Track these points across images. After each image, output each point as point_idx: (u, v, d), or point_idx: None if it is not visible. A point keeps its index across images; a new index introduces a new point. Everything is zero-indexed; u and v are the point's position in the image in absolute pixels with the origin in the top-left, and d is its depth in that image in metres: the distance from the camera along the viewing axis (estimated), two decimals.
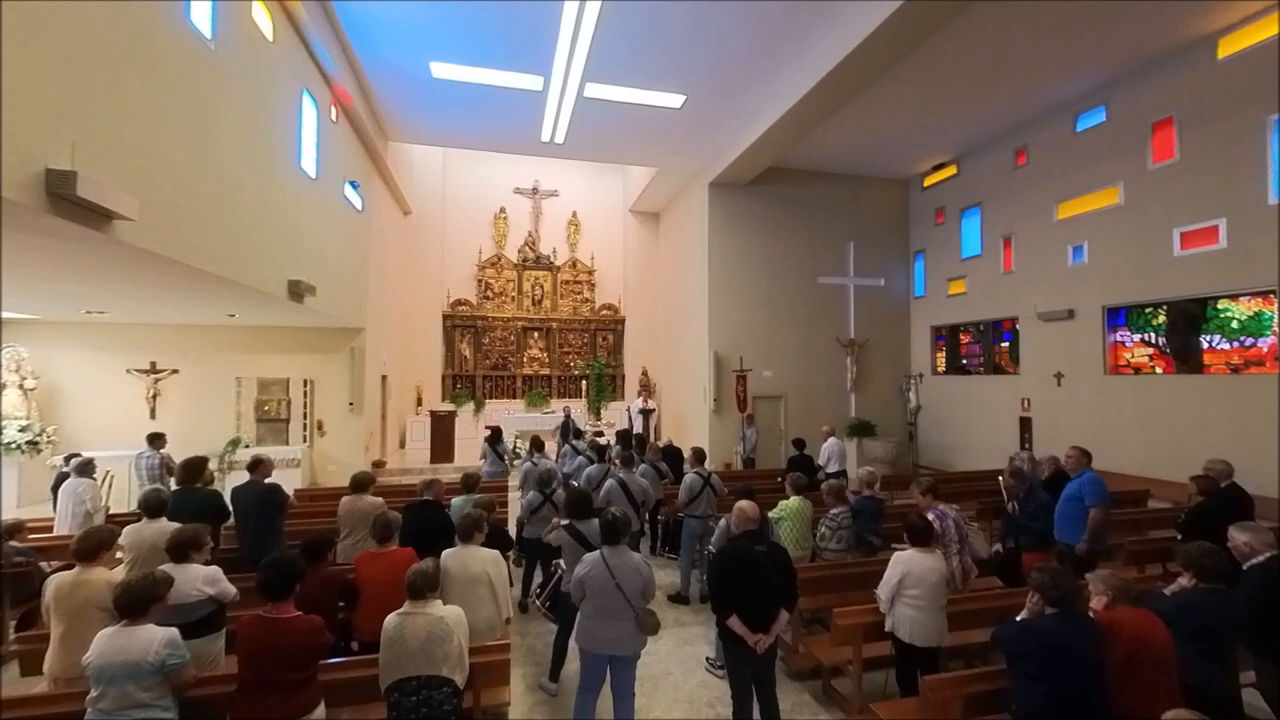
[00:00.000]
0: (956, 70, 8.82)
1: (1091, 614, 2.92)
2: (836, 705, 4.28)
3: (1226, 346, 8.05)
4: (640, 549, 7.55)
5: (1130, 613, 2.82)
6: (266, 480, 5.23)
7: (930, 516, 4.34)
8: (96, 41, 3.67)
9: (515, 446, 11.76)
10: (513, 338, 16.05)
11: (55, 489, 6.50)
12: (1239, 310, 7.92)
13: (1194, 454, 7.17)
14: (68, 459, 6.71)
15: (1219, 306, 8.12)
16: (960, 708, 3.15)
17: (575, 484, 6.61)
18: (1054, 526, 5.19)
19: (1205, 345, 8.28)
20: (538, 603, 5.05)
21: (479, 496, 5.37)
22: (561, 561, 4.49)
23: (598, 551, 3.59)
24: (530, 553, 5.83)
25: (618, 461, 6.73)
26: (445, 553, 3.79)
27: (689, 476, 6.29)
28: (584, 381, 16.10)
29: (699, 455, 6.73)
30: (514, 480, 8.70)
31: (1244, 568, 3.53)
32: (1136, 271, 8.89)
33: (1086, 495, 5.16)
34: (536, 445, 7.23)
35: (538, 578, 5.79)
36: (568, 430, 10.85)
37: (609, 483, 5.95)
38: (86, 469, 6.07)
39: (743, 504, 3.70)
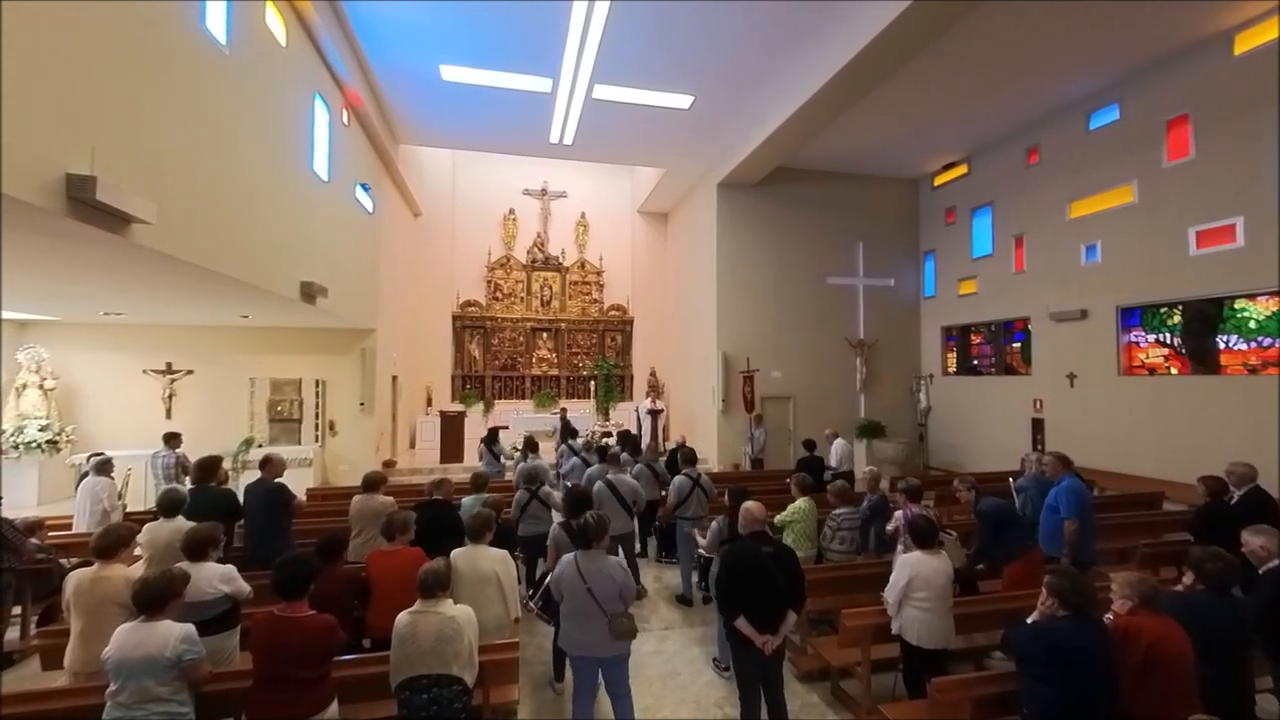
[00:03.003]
0: (967, 69, 8.76)
1: (1111, 617, 2.89)
2: (845, 707, 4.26)
3: (1244, 347, 7.93)
4: (648, 553, 7.62)
5: (1151, 619, 2.79)
6: (275, 480, 5.29)
7: (899, 516, 4.33)
8: (114, 48, 3.75)
9: (513, 448, 11.81)
10: (521, 338, 16.12)
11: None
12: (1257, 310, 7.80)
13: (1210, 456, 7.07)
14: (90, 459, 6.83)
15: (1236, 306, 8.00)
16: (969, 710, 3.13)
17: (569, 484, 6.60)
18: (992, 558, 4.91)
19: (1222, 346, 8.16)
20: (532, 604, 5.09)
21: (488, 496, 5.41)
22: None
23: (571, 554, 3.58)
24: (527, 550, 5.85)
25: (609, 462, 6.69)
26: (454, 552, 3.81)
27: (678, 478, 6.28)
28: (592, 382, 16.14)
29: (689, 457, 6.68)
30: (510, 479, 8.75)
31: (1260, 571, 3.48)
32: (1151, 271, 8.78)
33: (1062, 506, 5.06)
34: (530, 446, 7.26)
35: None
36: (565, 431, 10.90)
37: (597, 484, 5.95)
38: (104, 468, 6.17)
39: (749, 505, 3.70)
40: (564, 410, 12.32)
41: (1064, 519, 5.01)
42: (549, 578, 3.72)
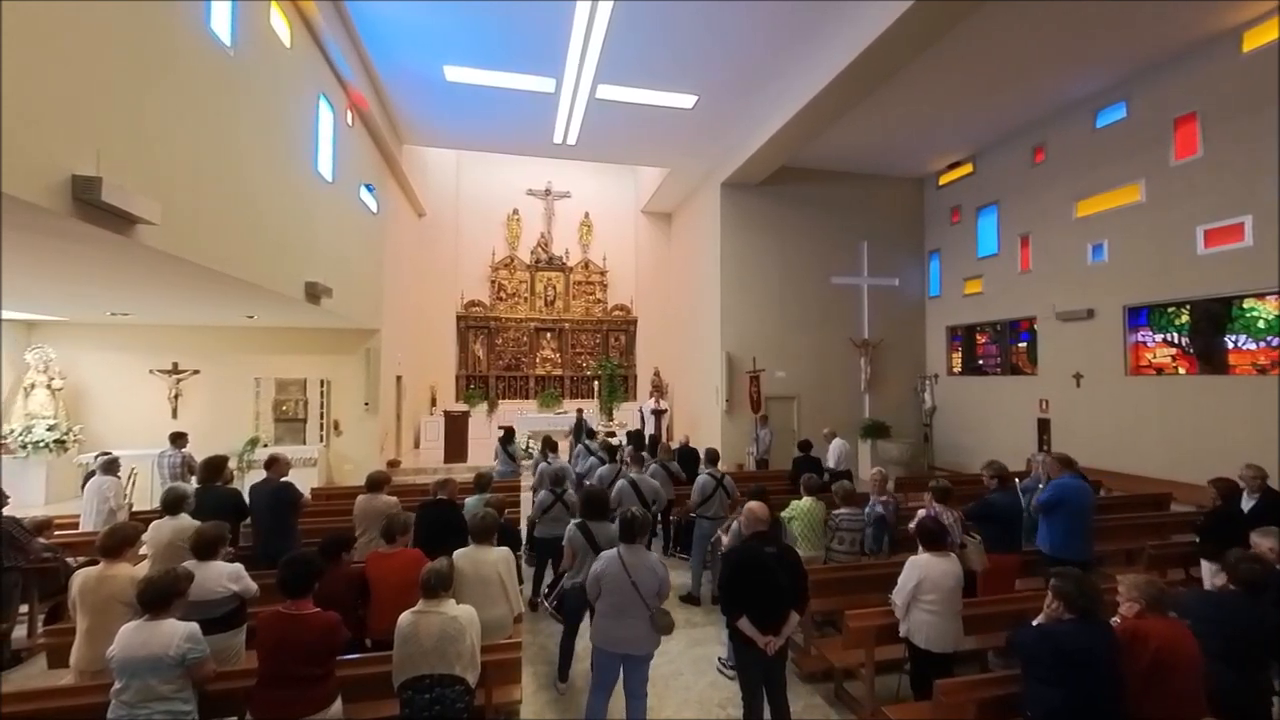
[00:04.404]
0: (972, 67, 8.71)
1: (1119, 620, 2.87)
2: (848, 708, 4.25)
3: (1253, 346, 7.86)
4: (653, 549, 7.62)
5: (1158, 623, 2.77)
6: (281, 479, 5.30)
7: (920, 514, 4.31)
8: (119, 49, 3.77)
9: (528, 447, 11.84)
10: (525, 338, 16.14)
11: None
12: (1265, 309, 7.73)
13: (1219, 457, 7.02)
14: (96, 458, 6.86)
15: (1245, 306, 7.93)
16: (973, 712, 3.11)
17: (588, 484, 6.62)
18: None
19: (1230, 345, 8.09)
20: (546, 604, 5.07)
21: (490, 496, 5.40)
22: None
23: (615, 549, 3.60)
24: (542, 552, 5.87)
25: (629, 461, 6.75)
26: (457, 552, 3.82)
27: (701, 477, 6.29)
28: (596, 382, 16.14)
29: (712, 456, 6.72)
30: (526, 480, 8.77)
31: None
32: (1158, 270, 8.72)
33: (1039, 495, 5.15)
34: (549, 446, 7.27)
35: (548, 577, 5.82)
36: (580, 430, 10.91)
37: (620, 482, 5.97)
38: (111, 467, 6.20)
39: (752, 505, 3.68)
40: (580, 410, 12.31)
41: (1036, 503, 5.12)
42: (585, 575, 3.71)
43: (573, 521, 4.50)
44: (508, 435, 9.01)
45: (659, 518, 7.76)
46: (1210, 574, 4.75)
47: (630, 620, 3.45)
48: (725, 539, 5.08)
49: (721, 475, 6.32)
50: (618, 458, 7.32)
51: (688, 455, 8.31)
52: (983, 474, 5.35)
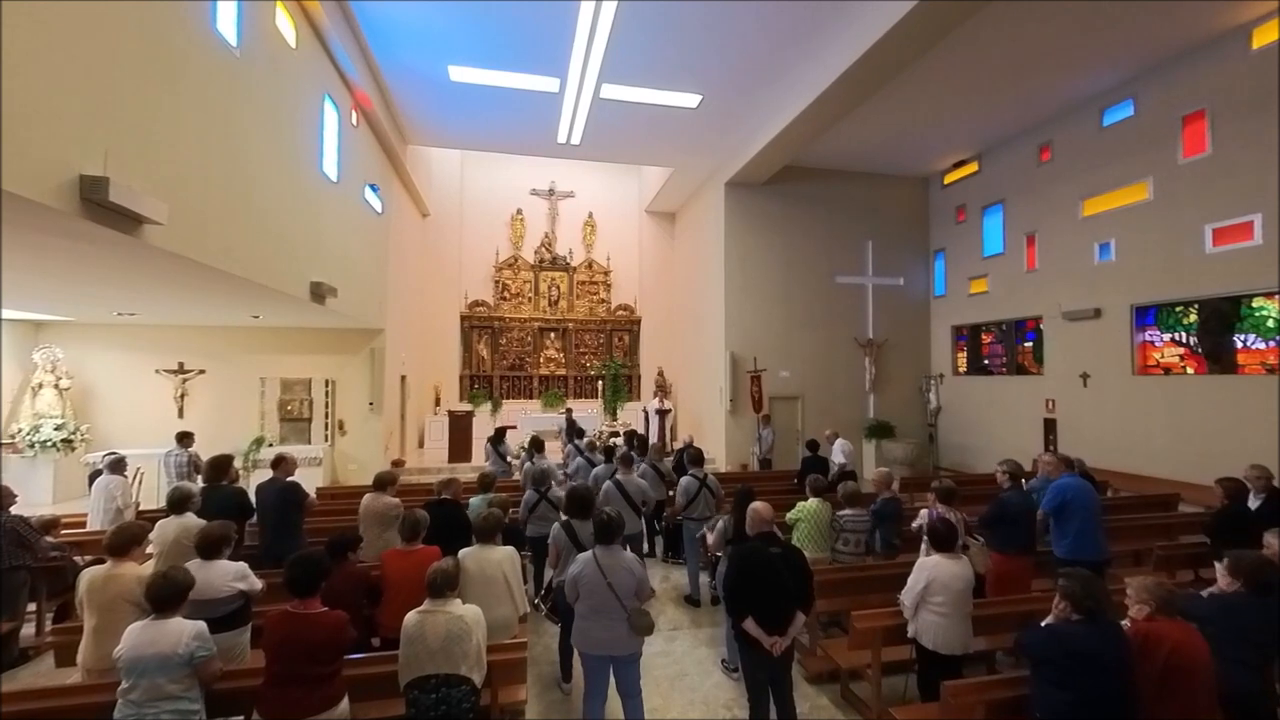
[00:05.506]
0: (978, 65, 8.67)
1: (1129, 623, 2.84)
2: (854, 709, 4.23)
3: (1262, 346, 7.80)
4: (655, 553, 7.61)
5: (1170, 625, 2.74)
6: (288, 479, 5.32)
7: (924, 514, 4.29)
8: (126, 50, 3.78)
9: (521, 448, 11.84)
10: (529, 338, 16.14)
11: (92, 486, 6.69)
12: (1274, 308, 7.67)
13: (1227, 457, 6.95)
14: (104, 457, 6.89)
15: (1254, 305, 7.87)
16: (982, 713, 3.09)
17: (574, 484, 6.59)
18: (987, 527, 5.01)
19: (1239, 344, 8.03)
20: (541, 605, 5.05)
21: (494, 495, 5.41)
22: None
23: (590, 551, 3.58)
24: (537, 550, 5.86)
25: (618, 462, 6.70)
26: (462, 552, 3.82)
27: (685, 479, 6.26)
28: (600, 382, 16.13)
29: (695, 458, 6.70)
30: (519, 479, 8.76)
31: None
32: (1166, 269, 8.65)
33: (1043, 500, 5.10)
34: (536, 446, 7.27)
35: (548, 574, 5.82)
36: (570, 431, 10.89)
37: (606, 483, 5.95)
38: (118, 466, 6.23)
39: (757, 505, 3.67)
40: (569, 410, 12.32)
41: (1042, 509, 5.07)
42: (565, 576, 3.70)
43: (558, 520, 4.50)
44: (497, 435, 9.01)
45: (654, 522, 7.73)
46: (1223, 574, 4.72)
47: (608, 621, 3.43)
48: (710, 538, 5.08)
49: (705, 475, 6.31)
50: (615, 458, 7.30)
51: (692, 455, 8.28)
52: (997, 471, 5.30)
